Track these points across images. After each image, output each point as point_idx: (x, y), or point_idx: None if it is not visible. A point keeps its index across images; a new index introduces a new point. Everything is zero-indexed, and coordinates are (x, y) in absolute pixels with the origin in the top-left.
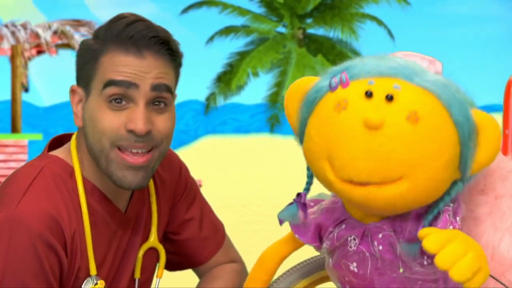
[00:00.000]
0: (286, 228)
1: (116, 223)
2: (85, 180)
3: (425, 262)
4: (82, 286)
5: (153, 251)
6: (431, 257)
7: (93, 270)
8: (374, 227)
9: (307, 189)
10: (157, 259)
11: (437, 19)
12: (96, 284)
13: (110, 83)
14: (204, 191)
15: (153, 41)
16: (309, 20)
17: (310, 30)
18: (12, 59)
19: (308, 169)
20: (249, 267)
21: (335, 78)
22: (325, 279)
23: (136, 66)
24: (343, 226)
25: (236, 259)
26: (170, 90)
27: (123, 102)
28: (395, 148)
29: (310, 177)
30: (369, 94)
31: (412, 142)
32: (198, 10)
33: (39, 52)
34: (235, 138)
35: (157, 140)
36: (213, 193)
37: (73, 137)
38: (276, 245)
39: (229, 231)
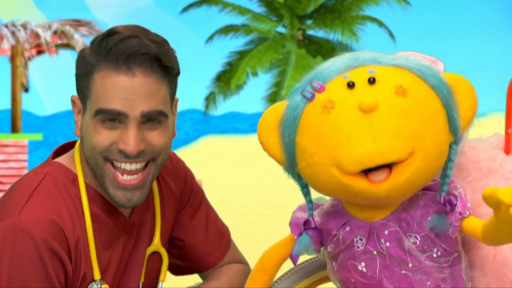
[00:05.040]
0: (287, 228)
1: (120, 229)
2: (88, 187)
3: (435, 255)
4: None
5: (157, 255)
6: (442, 248)
7: (97, 275)
8: (379, 224)
9: (311, 215)
10: (161, 263)
11: (438, 19)
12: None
13: (100, 111)
14: (204, 191)
15: (143, 58)
16: (309, 22)
17: (310, 32)
18: (12, 59)
19: (305, 194)
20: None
21: (307, 90)
22: (326, 279)
23: (127, 87)
24: (347, 228)
25: (242, 261)
26: (163, 114)
27: (116, 122)
28: (397, 123)
29: (310, 202)
30: (351, 85)
31: (410, 113)
32: (198, 9)
33: (39, 52)
34: (235, 138)
35: (152, 155)
36: (213, 193)
37: (77, 144)
38: (277, 246)
39: None
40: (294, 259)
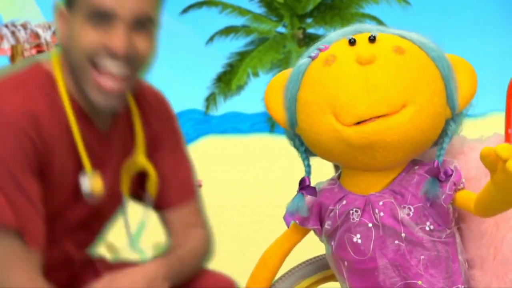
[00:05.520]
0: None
1: (94, 139)
2: (67, 90)
3: (427, 228)
4: (80, 181)
5: (141, 175)
6: (436, 223)
7: (88, 167)
8: (374, 196)
9: (308, 172)
10: (140, 179)
11: (437, 19)
12: (93, 178)
13: (92, 11)
14: (204, 191)
15: None
16: (309, 20)
17: (310, 30)
18: (12, 59)
19: (304, 159)
20: (250, 267)
21: (313, 52)
22: (327, 279)
23: None
24: (344, 202)
25: (204, 226)
26: (152, 21)
27: (105, 23)
28: (392, 76)
29: (307, 166)
30: (352, 41)
31: (406, 69)
32: (198, 10)
33: (39, 52)
34: (235, 138)
35: (136, 59)
36: (213, 193)
37: (54, 51)
38: (277, 242)
39: (229, 231)
40: (287, 221)
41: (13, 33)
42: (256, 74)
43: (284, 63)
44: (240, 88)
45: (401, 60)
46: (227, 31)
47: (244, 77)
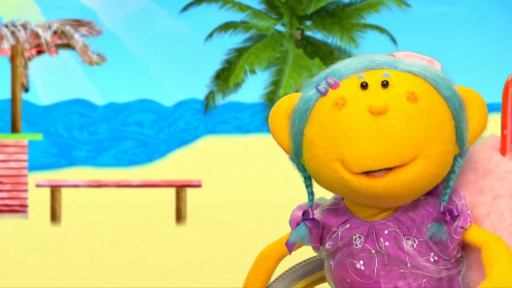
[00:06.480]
0: (287, 228)
1: None
2: None
3: (431, 259)
4: None
5: None
6: (438, 255)
7: None
8: (379, 224)
9: (311, 206)
10: None
11: (438, 19)
12: None
13: None
14: (204, 191)
15: None
16: (308, 23)
17: (309, 33)
18: (12, 59)
19: (307, 186)
20: (249, 267)
21: (321, 85)
22: (323, 279)
23: None
24: (347, 225)
25: None
26: None
27: None
28: (403, 128)
29: (311, 194)
30: (364, 85)
31: (418, 119)
32: (198, 7)
33: (39, 52)
34: (235, 138)
35: None
36: (213, 193)
37: None
38: (274, 244)
39: (229, 231)
40: (289, 248)
41: (13, 33)
42: (253, 72)
43: (281, 62)
44: (237, 85)
45: (414, 110)
46: (226, 26)
47: (241, 74)
